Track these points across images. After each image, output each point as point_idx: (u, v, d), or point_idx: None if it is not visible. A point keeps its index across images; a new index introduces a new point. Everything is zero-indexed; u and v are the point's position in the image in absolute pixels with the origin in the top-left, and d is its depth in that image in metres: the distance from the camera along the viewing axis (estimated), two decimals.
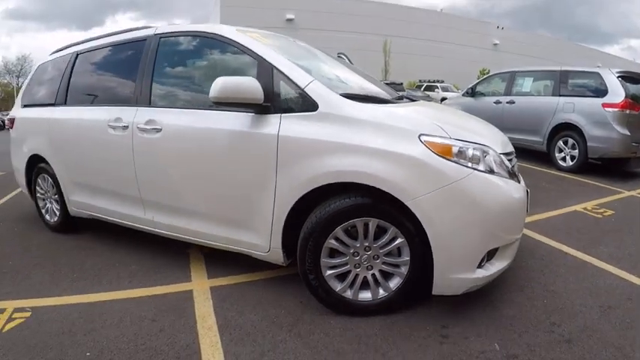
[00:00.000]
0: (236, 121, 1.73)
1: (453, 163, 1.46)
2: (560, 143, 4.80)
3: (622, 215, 3.16)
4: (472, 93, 6.14)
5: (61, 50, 3.01)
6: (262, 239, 1.76)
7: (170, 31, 2.14)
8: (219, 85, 1.59)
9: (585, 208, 3.32)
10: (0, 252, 2.52)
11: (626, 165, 4.62)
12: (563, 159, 4.79)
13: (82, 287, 2.00)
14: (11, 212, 3.47)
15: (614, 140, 4.25)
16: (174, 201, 2.01)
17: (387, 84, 2.85)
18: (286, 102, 1.65)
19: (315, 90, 1.61)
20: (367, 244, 1.61)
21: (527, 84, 5.53)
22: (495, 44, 27.47)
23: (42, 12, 76.57)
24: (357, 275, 1.66)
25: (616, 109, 4.23)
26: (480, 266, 1.56)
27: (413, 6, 27.06)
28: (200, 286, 1.97)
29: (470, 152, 1.50)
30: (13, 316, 1.75)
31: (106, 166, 2.32)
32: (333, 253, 1.64)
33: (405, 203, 1.47)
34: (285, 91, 1.65)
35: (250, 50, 1.80)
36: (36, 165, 2.86)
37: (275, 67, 1.69)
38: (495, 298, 1.82)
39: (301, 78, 1.65)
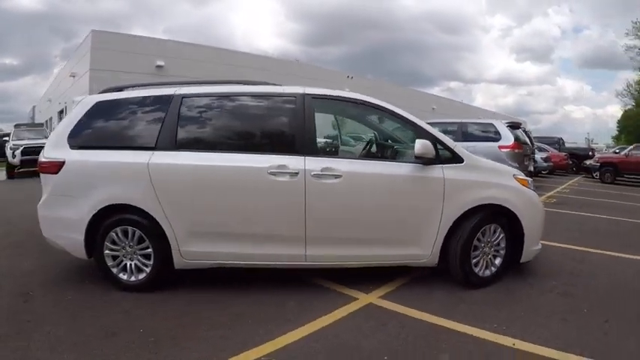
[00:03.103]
0: (408, 168, 2.99)
1: (528, 189, 3.28)
2: None
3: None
4: None
5: (122, 90, 3.25)
6: (425, 250, 3.02)
7: (323, 93, 3.11)
8: (421, 145, 2.85)
9: None
10: (104, 322, 2.51)
11: None
12: None
13: (270, 330, 2.39)
14: (28, 277, 3.26)
15: None
16: (348, 234, 2.93)
17: None
18: (443, 157, 3.04)
19: (459, 149, 3.12)
20: (489, 239, 3.16)
21: (385, 132, 8.34)
22: (346, 90, 34.73)
23: None
24: (483, 260, 3.16)
25: (508, 150, 7.31)
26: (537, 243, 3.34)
27: (271, 56, 31.99)
28: (371, 299, 2.90)
29: (530, 181, 3.35)
30: None
31: (260, 211, 2.85)
32: (474, 248, 3.10)
33: (514, 211, 3.12)
34: (441, 149, 3.04)
35: (406, 118, 3.11)
36: (108, 217, 2.91)
37: (430, 133, 3.06)
38: (534, 265, 3.62)
39: (449, 142, 3.12)
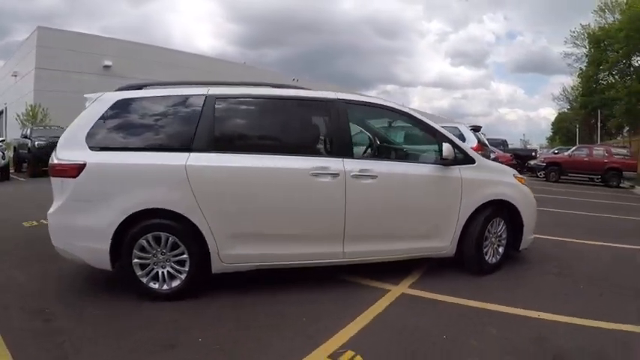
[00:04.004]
0: (432, 169, 3.41)
1: (525, 185, 3.84)
2: None
3: None
4: None
5: (141, 88, 3.19)
6: (445, 242, 3.46)
7: (354, 99, 3.42)
8: (446, 148, 3.28)
9: None
10: (154, 335, 2.44)
11: None
12: None
13: (328, 326, 2.55)
14: (30, 291, 3.06)
15: None
16: (382, 230, 3.26)
17: None
18: (459, 158, 3.49)
19: (472, 152, 3.62)
20: (495, 230, 3.68)
21: (400, 135, 9.11)
22: None
23: None
24: (491, 249, 3.67)
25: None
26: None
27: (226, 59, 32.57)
28: (402, 289, 3.24)
29: (525, 178, 3.92)
30: None
31: (302, 211, 3.04)
32: (485, 239, 3.59)
33: (516, 206, 3.67)
34: (457, 152, 3.48)
35: (427, 124, 3.54)
36: (137, 224, 2.85)
37: (449, 137, 3.50)
38: (524, 253, 4.21)
39: (463, 145, 3.60)
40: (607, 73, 20.09)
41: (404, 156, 3.66)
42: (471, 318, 2.75)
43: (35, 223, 5.39)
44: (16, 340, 2.35)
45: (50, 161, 3.01)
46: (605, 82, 20.44)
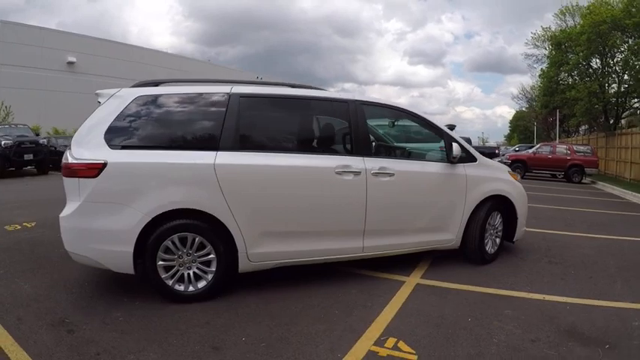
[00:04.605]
0: (441, 167, 3.71)
1: (517, 181, 4.24)
2: None
3: None
4: None
5: (158, 85, 3.17)
6: (451, 235, 3.77)
7: (369, 100, 3.62)
8: (456, 147, 3.59)
9: None
10: (193, 338, 2.42)
11: None
12: None
13: (362, 316, 2.74)
14: (40, 301, 2.88)
15: None
16: (397, 225, 3.51)
17: None
18: (464, 157, 3.81)
19: (473, 151, 3.95)
20: (493, 223, 4.04)
21: (408, 134, 9.55)
22: None
23: None
24: (490, 241, 4.03)
25: None
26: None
27: (187, 56, 33.74)
28: (415, 280, 3.51)
29: (517, 173, 4.32)
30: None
31: (327, 208, 3.18)
32: (485, 231, 3.94)
33: (512, 200, 4.05)
34: (463, 152, 3.79)
35: (437, 126, 3.84)
36: (162, 225, 2.81)
37: (455, 139, 3.80)
38: (519, 242, 4.63)
39: (466, 144, 3.91)
40: (567, 74, 21.30)
41: (416, 155, 3.95)
42: (487, 302, 3.06)
43: (18, 226, 5.21)
44: (47, 357, 2.20)
45: (64, 160, 2.90)
46: (565, 83, 21.66)
